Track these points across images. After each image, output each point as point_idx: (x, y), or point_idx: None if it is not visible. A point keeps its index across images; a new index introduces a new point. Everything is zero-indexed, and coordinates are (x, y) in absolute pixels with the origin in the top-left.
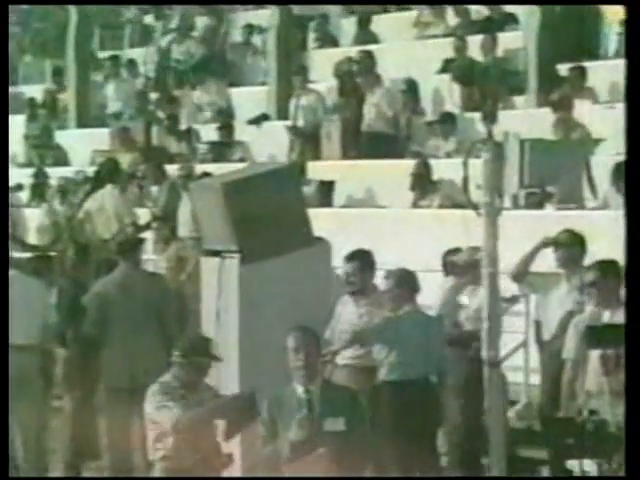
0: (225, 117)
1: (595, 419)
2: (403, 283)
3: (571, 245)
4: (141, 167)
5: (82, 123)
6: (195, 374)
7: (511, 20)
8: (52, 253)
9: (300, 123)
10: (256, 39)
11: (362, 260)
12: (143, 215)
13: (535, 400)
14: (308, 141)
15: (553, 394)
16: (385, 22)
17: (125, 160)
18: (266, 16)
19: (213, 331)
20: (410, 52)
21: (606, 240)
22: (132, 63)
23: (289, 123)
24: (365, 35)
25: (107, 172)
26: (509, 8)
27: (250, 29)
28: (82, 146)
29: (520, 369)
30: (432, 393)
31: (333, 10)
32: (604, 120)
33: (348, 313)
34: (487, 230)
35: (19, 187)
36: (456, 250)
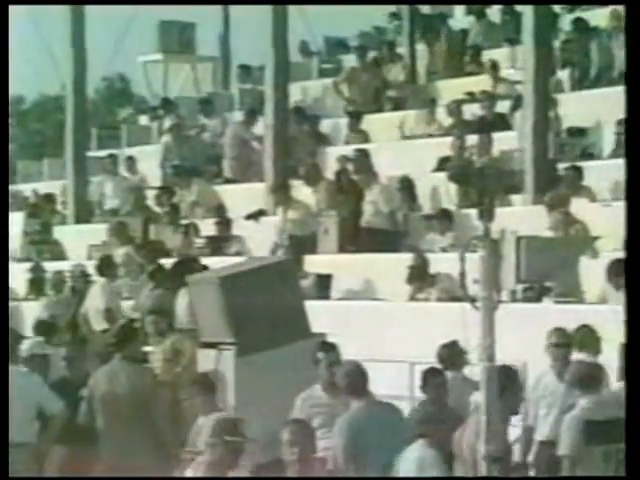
0: (221, 212)
1: None
2: (351, 376)
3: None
4: (137, 260)
5: (80, 219)
6: (228, 456)
7: (502, 121)
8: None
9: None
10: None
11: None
12: (139, 308)
13: None
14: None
15: None
16: (378, 122)
17: (120, 254)
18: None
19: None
20: (404, 150)
21: (605, 334)
22: (131, 160)
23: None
24: (357, 134)
25: (103, 267)
26: (500, 108)
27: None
28: (80, 241)
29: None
30: None
31: (331, 110)
32: (601, 218)
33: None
34: (484, 324)
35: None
36: (452, 344)
